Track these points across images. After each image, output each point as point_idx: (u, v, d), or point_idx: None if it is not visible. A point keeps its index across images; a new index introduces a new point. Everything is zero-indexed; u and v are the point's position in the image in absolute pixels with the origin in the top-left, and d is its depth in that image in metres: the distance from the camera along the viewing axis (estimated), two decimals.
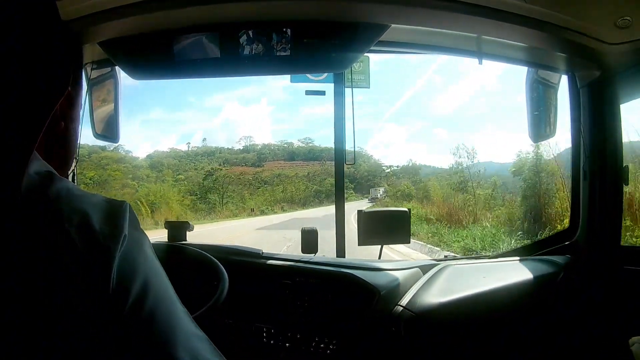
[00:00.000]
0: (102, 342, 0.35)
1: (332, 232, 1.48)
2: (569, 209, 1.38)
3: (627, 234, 4.45)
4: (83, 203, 0.39)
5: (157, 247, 1.11)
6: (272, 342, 1.08)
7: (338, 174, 1.53)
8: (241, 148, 24.11)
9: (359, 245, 1.34)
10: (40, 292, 0.34)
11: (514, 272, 1.18)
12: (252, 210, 19.15)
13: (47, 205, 0.37)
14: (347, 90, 1.48)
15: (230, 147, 24.42)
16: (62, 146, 0.48)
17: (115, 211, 0.40)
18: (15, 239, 0.35)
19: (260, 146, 24.56)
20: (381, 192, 19.78)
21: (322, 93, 2.34)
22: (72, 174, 1.30)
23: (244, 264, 1.17)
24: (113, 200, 0.42)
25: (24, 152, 0.38)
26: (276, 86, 36.82)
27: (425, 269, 1.20)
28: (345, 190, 1.62)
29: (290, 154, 24.53)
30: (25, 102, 0.38)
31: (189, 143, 25.01)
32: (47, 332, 0.34)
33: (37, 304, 0.34)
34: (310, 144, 25.27)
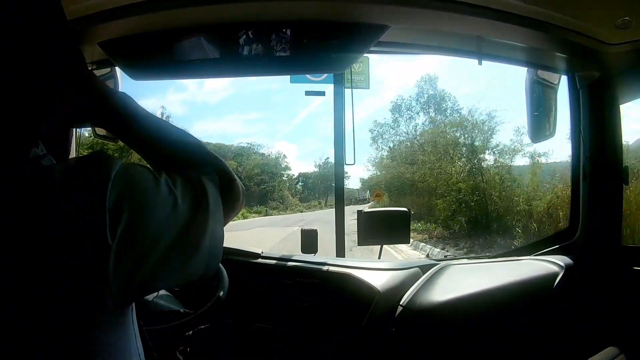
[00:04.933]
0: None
1: None
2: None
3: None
4: (73, 170, 0.41)
5: None
6: (272, 342, 1.08)
7: (338, 174, 1.53)
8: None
9: (358, 245, 1.34)
10: (40, 248, 0.36)
11: (514, 272, 1.18)
12: None
13: (42, 175, 0.39)
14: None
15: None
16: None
17: (99, 165, 0.40)
18: (15, 205, 0.37)
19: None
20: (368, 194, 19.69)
21: (322, 93, 2.36)
22: None
23: (244, 264, 1.17)
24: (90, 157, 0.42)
25: (28, 139, 0.41)
26: (174, 100, 37.59)
27: (425, 268, 1.20)
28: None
29: None
30: (29, 97, 0.41)
31: None
32: (46, 288, 0.36)
33: (36, 263, 0.36)
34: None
